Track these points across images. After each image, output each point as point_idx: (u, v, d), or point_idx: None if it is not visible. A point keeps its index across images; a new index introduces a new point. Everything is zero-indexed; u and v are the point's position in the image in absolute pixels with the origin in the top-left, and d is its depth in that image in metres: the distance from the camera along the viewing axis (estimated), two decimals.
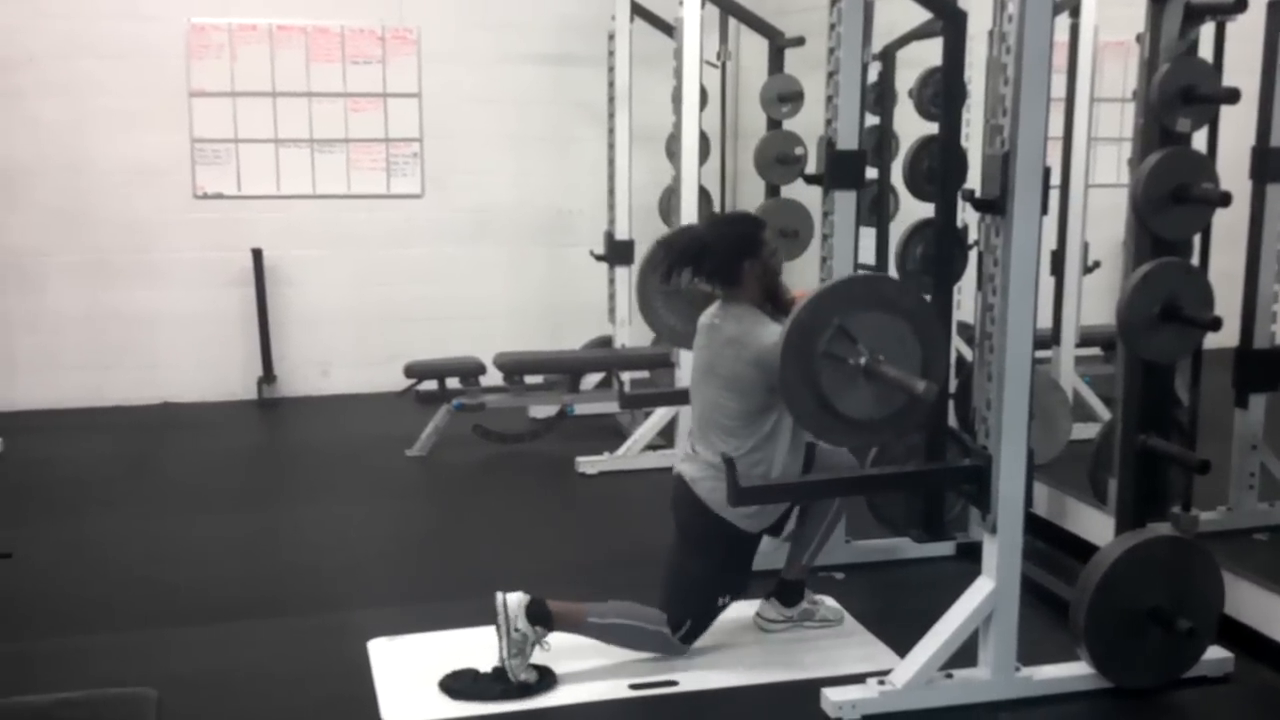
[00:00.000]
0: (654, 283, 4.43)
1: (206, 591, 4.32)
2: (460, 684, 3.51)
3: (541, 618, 3.52)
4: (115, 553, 4.72)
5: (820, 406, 3.25)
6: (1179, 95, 3.34)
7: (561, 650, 3.64)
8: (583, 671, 3.62)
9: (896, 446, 4.55)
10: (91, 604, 4.21)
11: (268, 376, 6.97)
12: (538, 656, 3.53)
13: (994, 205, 3.21)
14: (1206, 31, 3.58)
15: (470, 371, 6.06)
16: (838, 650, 3.78)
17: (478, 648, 3.79)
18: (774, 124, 6.02)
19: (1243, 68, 3.87)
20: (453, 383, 6.04)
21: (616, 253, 6.41)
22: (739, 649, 3.79)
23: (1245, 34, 3.85)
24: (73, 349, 6.79)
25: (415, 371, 6.03)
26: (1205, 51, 3.61)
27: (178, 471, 5.84)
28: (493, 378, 6.09)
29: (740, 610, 3.92)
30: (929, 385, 3.13)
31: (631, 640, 3.65)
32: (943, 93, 4.46)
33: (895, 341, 3.23)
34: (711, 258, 3.61)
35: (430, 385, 6.02)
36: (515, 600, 3.51)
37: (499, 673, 3.49)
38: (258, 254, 6.85)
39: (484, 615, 3.96)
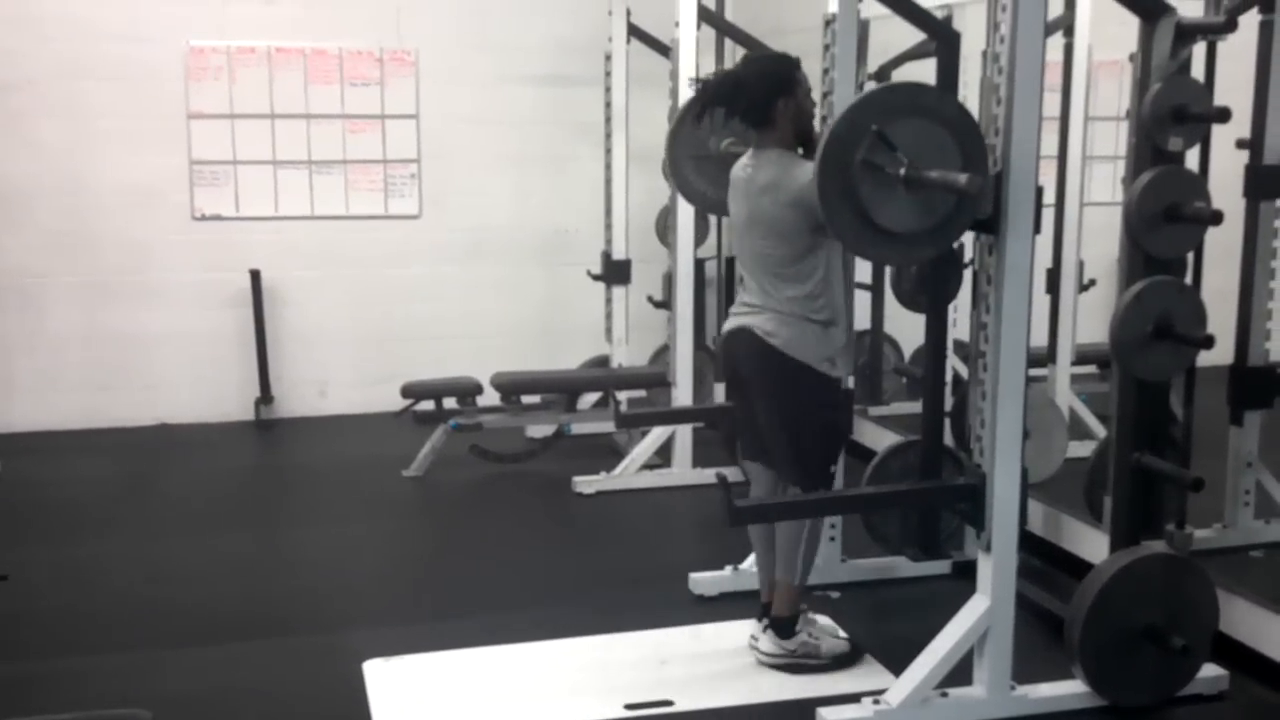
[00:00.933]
0: (685, 147, 4.32)
1: (203, 612, 4.31)
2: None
3: (788, 625, 3.72)
4: (112, 574, 4.72)
5: (861, 220, 3.11)
6: (1171, 114, 3.36)
7: (557, 671, 3.64)
8: (576, 691, 3.62)
9: (892, 464, 4.56)
10: (88, 625, 4.21)
11: (265, 397, 6.98)
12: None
13: (987, 224, 3.22)
14: (1198, 51, 3.61)
15: (467, 391, 6.06)
16: (834, 671, 3.76)
17: (475, 668, 3.80)
18: None
19: (1234, 86, 3.89)
20: (450, 403, 6.05)
21: (613, 272, 6.42)
22: (735, 668, 3.79)
23: (1236, 53, 3.87)
24: (71, 370, 6.79)
25: (412, 391, 6.04)
26: (1197, 71, 3.63)
27: (175, 492, 5.83)
28: (490, 397, 6.09)
29: (737, 633, 3.93)
30: (972, 178, 3.00)
31: (815, 542, 3.76)
32: None
33: (935, 150, 3.08)
34: (745, 95, 3.57)
35: (427, 405, 6.02)
36: (766, 644, 3.74)
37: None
38: (255, 275, 6.87)
39: (481, 635, 3.98)
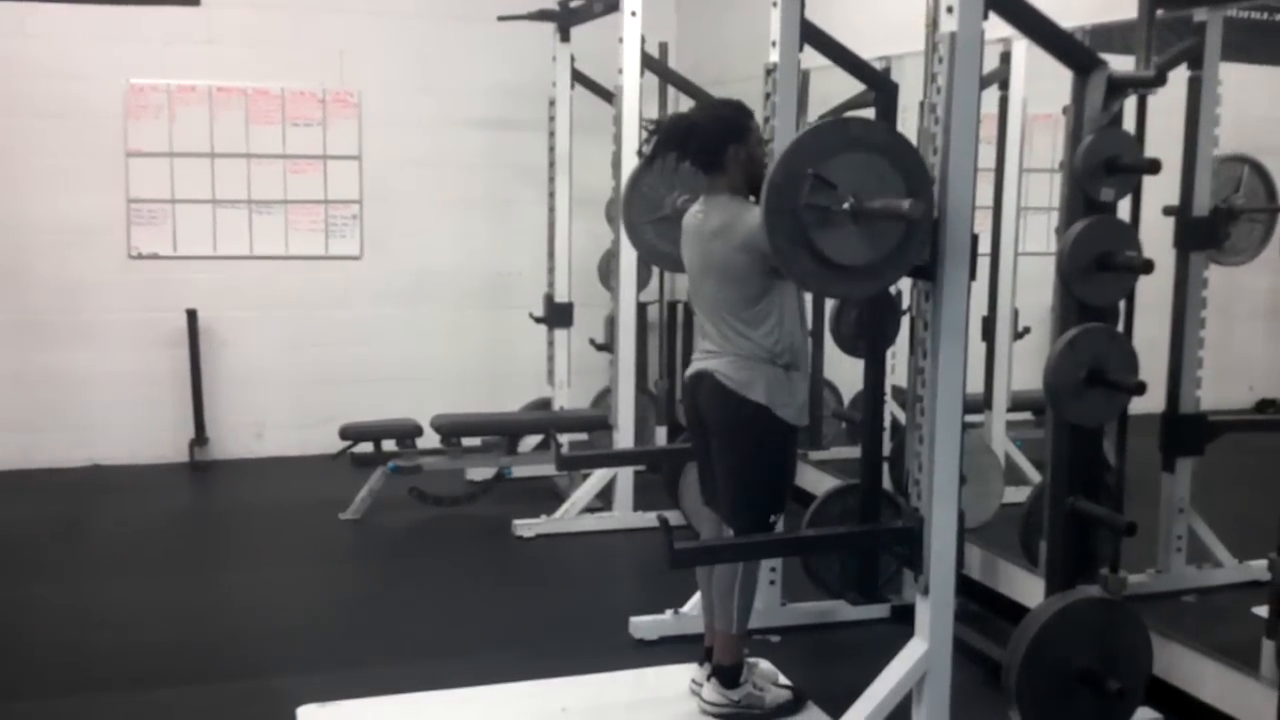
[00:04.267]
0: (643, 213, 4.35)
1: (134, 658, 4.24)
2: None
3: (732, 674, 3.71)
4: (41, 618, 4.62)
5: (819, 262, 3.13)
6: (1102, 165, 3.43)
7: (496, 717, 3.61)
8: None
9: (831, 508, 4.59)
10: (15, 670, 4.12)
11: (200, 438, 6.89)
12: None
13: (924, 271, 3.26)
14: (1129, 105, 3.69)
15: (406, 433, 6.02)
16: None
17: (412, 714, 3.75)
18: None
19: (1165, 139, 3.98)
20: (389, 445, 6.00)
21: (556, 315, 6.42)
22: (676, 714, 3.77)
23: (1167, 107, 3.97)
24: (2, 410, 6.67)
25: (350, 433, 5.98)
26: (1128, 124, 3.71)
27: (107, 535, 5.73)
28: (430, 440, 6.05)
29: (678, 678, 3.92)
30: (915, 202, 3.02)
31: (753, 587, 3.76)
32: None
33: (874, 179, 3.10)
34: (697, 139, 3.61)
35: (366, 447, 5.97)
36: (709, 692, 3.74)
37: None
38: (192, 314, 6.79)
39: (418, 680, 3.94)
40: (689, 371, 3.78)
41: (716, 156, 3.60)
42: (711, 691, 3.76)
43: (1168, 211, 4.10)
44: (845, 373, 5.92)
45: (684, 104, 6.76)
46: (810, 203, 3.08)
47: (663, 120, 3.91)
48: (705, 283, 3.65)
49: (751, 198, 3.62)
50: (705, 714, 3.76)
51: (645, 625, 4.36)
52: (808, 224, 3.09)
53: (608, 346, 6.18)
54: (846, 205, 3.08)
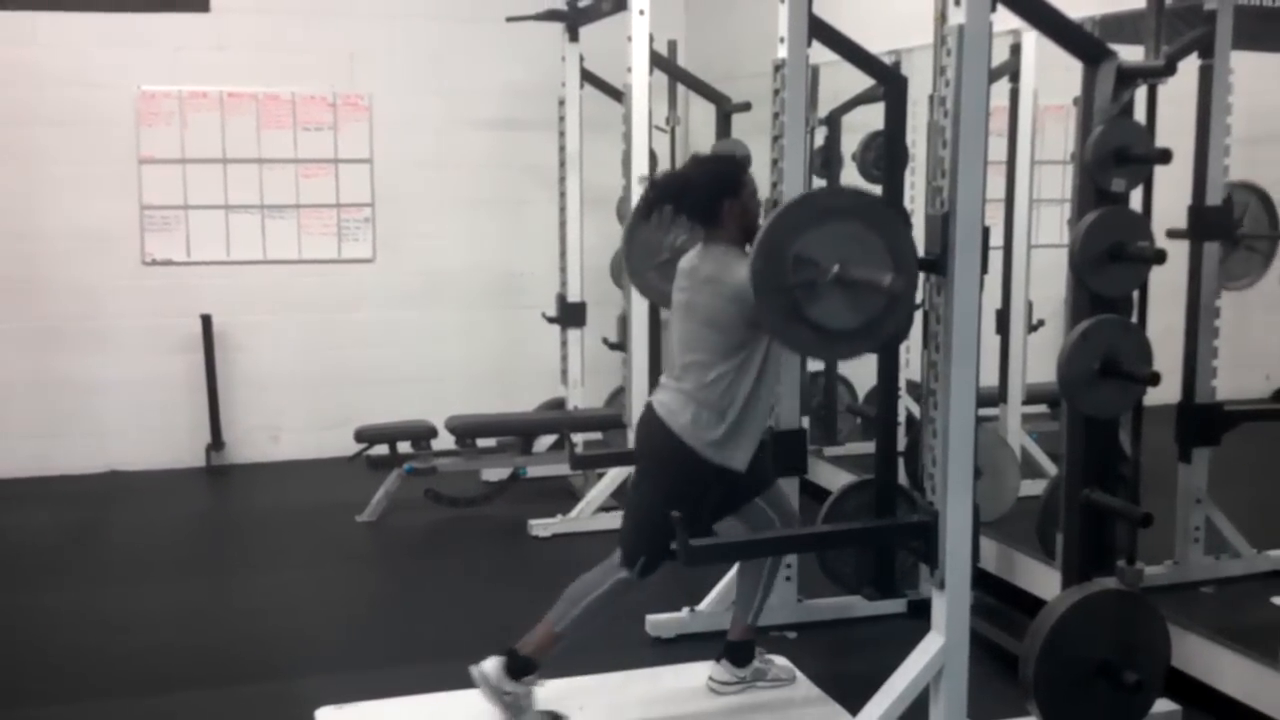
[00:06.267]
0: (644, 258, 4.40)
1: (153, 661, 4.25)
2: None
3: (522, 667, 3.57)
4: (61, 623, 4.64)
5: (818, 334, 3.17)
6: (1113, 156, 3.42)
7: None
8: None
9: (847, 504, 4.58)
10: (36, 675, 4.14)
11: (216, 443, 6.91)
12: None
13: (935, 264, 3.26)
14: (1140, 95, 3.68)
15: (421, 435, 6.03)
16: (791, 711, 3.77)
17: (429, 715, 3.76)
18: None
19: (1176, 129, 3.97)
20: (404, 447, 6.01)
21: (568, 315, 6.42)
22: (692, 711, 3.77)
23: (1177, 97, 3.95)
24: (19, 418, 6.70)
25: (366, 436, 6.00)
26: (1139, 114, 3.70)
27: (125, 540, 5.76)
28: (444, 441, 6.06)
29: (695, 676, 3.92)
30: (895, 278, 3.06)
31: (600, 611, 3.66)
32: (885, 156, 4.54)
33: (853, 243, 3.13)
34: (691, 194, 3.64)
35: (381, 450, 5.98)
36: (491, 666, 3.56)
37: None
38: (207, 320, 6.82)
39: (435, 681, 3.94)
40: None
41: (712, 211, 3.63)
42: (722, 671, 3.89)
43: (1172, 234, 4.08)
44: (859, 368, 5.92)
45: (694, 102, 6.78)
46: (800, 282, 3.12)
47: (658, 177, 3.96)
48: (686, 321, 3.67)
49: (747, 247, 3.64)
50: (714, 692, 3.88)
51: (662, 623, 4.36)
52: (803, 303, 3.13)
53: (621, 345, 6.18)
54: (831, 276, 3.12)
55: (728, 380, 3.53)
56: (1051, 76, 5.28)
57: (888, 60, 5.02)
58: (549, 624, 3.65)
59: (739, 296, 3.44)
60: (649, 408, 3.68)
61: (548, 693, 3.87)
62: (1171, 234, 4.10)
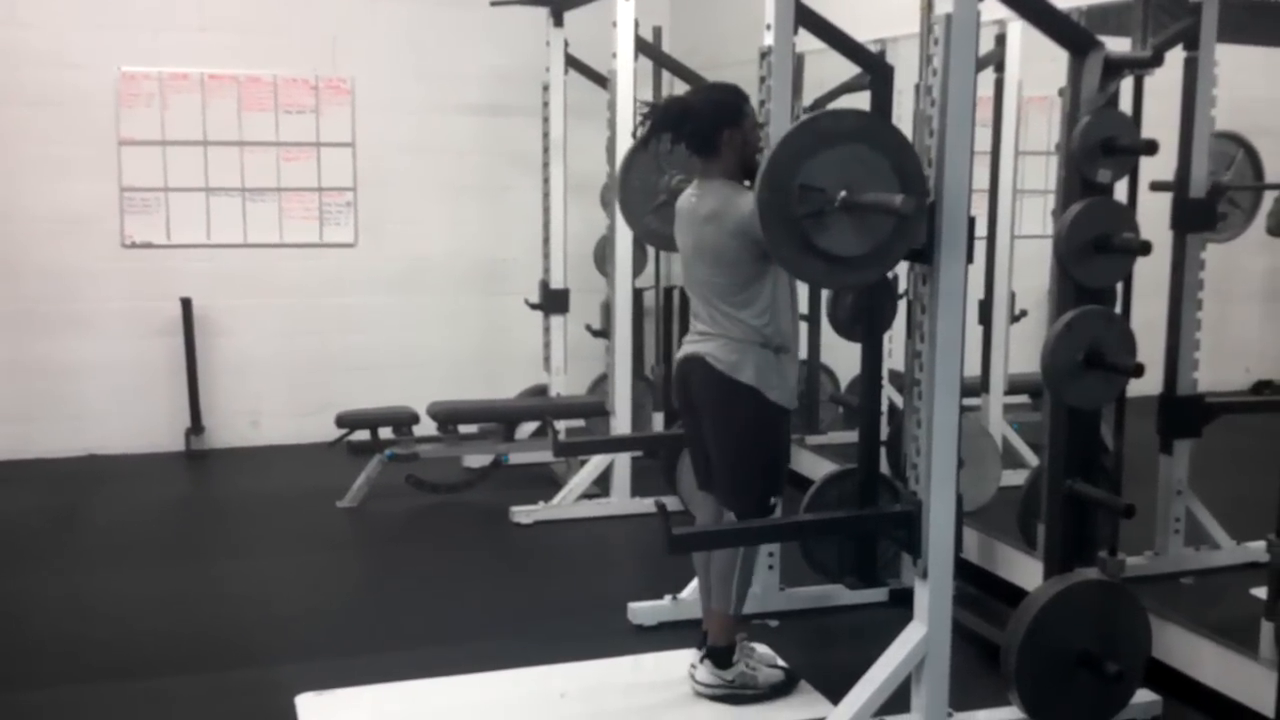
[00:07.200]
0: (641, 201, 4.35)
1: (131, 647, 4.23)
2: None
3: (725, 654, 3.73)
4: (38, 608, 4.61)
5: (830, 263, 3.13)
6: (1099, 146, 3.42)
7: (494, 703, 3.60)
8: None
9: (829, 493, 4.59)
10: (12, 660, 4.11)
11: (196, 427, 6.87)
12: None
13: (921, 254, 3.25)
14: (1126, 86, 3.68)
15: (403, 421, 6.01)
16: (773, 699, 3.76)
17: (410, 701, 3.75)
18: None
19: (1162, 121, 3.97)
20: (385, 433, 5.99)
21: (552, 301, 6.41)
22: (674, 698, 3.77)
23: (1163, 88, 3.96)
24: None
25: (347, 421, 5.97)
26: (1125, 105, 3.70)
27: (104, 525, 5.72)
28: (426, 427, 6.05)
29: (677, 663, 3.92)
30: (905, 198, 3.01)
31: (750, 569, 3.77)
32: None
33: (859, 166, 3.08)
34: (691, 122, 3.60)
35: (362, 435, 5.96)
36: (704, 674, 3.75)
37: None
38: (187, 303, 6.77)
39: (416, 667, 3.93)
40: (680, 354, 3.77)
41: (711, 140, 3.59)
42: (705, 673, 3.77)
43: (1155, 187, 4.07)
44: (842, 357, 5.92)
45: (679, 87, 6.75)
46: (806, 212, 3.07)
47: (657, 103, 3.88)
48: (697, 266, 3.64)
49: (746, 181, 3.61)
50: (699, 694, 3.77)
51: (643, 611, 4.36)
52: (810, 233, 3.09)
53: (604, 332, 6.18)
54: (838, 202, 3.07)
55: (768, 318, 3.54)
56: (1036, 68, 5.28)
57: (874, 49, 5.00)
58: (720, 612, 3.73)
59: (741, 230, 3.43)
60: (700, 362, 3.63)
61: (532, 678, 3.87)
62: (1155, 186, 4.09)
